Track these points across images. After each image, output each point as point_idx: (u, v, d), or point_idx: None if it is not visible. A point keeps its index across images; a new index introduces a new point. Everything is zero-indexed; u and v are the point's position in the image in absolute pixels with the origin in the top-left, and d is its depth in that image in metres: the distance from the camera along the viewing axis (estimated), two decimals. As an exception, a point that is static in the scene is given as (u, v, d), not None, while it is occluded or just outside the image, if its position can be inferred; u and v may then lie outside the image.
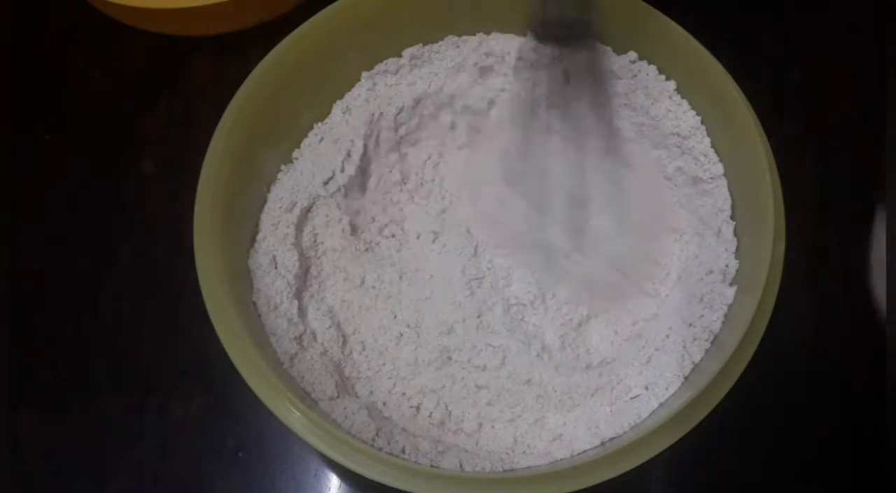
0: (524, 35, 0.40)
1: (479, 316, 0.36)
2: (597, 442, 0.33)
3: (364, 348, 0.36)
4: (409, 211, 0.39)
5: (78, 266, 0.41)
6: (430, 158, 0.40)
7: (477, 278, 0.37)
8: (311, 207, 0.37)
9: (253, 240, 0.36)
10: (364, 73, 0.39)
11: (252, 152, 0.36)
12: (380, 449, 0.31)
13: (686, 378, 0.33)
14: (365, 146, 0.38)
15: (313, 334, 0.35)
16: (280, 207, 0.36)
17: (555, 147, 0.38)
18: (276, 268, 0.35)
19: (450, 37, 0.39)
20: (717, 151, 0.37)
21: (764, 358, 0.31)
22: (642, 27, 0.37)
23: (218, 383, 0.38)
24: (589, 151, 0.38)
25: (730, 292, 0.34)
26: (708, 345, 0.34)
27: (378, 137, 0.39)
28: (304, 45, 0.37)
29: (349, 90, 0.39)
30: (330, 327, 0.35)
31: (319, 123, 0.39)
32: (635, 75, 0.38)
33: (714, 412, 0.30)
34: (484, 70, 0.39)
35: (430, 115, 0.40)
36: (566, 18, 0.35)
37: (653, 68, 0.38)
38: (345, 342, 0.36)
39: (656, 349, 0.34)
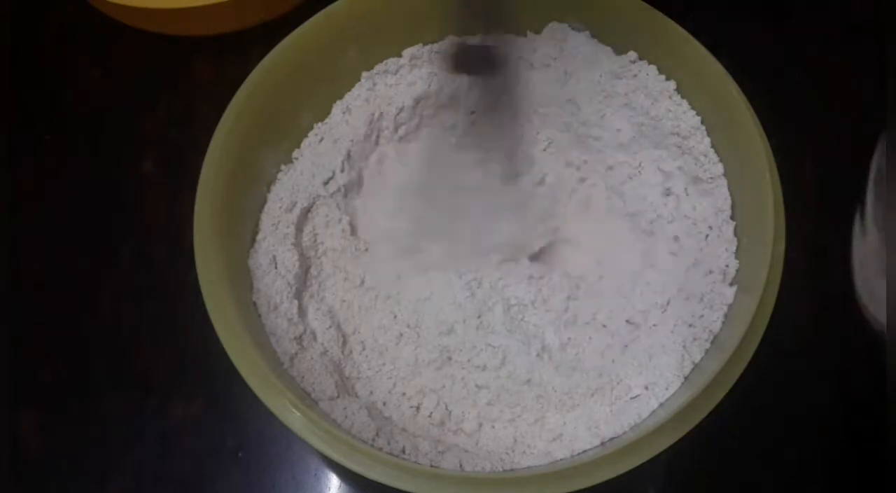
0: (524, 35, 0.40)
1: (479, 316, 0.36)
2: (597, 442, 0.33)
3: (364, 348, 0.36)
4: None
5: (78, 266, 0.41)
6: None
7: (476, 279, 0.37)
8: (311, 207, 0.37)
9: (253, 240, 0.36)
10: (364, 74, 0.39)
11: (252, 152, 0.36)
12: (380, 449, 0.31)
13: (686, 378, 0.33)
14: (365, 146, 0.38)
15: (313, 334, 0.35)
16: (280, 207, 0.36)
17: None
18: (276, 268, 0.35)
19: (450, 37, 0.39)
20: (717, 151, 0.37)
21: (764, 358, 0.31)
22: (642, 27, 0.37)
23: (218, 383, 0.38)
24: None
25: (730, 292, 0.34)
26: (708, 345, 0.34)
27: (378, 137, 0.39)
28: (304, 45, 0.37)
29: (349, 90, 0.39)
30: (330, 327, 0.35)
31: (319, 123, 0.39)
32: (635, 75, 0.38)
33: (714, 412, 0.30)
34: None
35: (430, 115, 0.40)
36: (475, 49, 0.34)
37: (653, 68, 0.38)
38: (345, 342, 0.36)
39: (656, 349, 0.34)
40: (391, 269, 0.37)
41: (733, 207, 0.36)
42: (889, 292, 0.34)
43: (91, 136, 0.44)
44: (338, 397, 0.33)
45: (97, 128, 0.45)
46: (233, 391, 0.37)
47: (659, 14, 0.36)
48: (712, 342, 0.34)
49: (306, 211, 0.37)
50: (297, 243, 0.36)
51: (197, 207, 0.33)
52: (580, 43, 0.39)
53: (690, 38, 0.36)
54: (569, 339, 0.36)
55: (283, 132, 0.38)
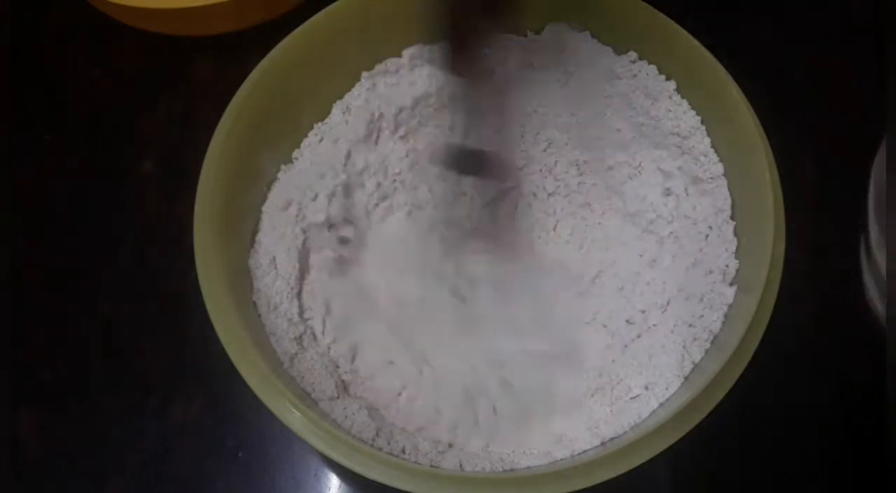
0: (524, 35, 0.40)
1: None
2: (597, 442, 0.33)
3: (363, 349, 0.36)
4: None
5: (78, 266, 0.41)
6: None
7: (476, 280, 0.37)
8: (311, 207, 0.37)
9: (253, 240, 0.36)
10: (364, 74, 0.39)
11: (252, 152, 0.36)
12: (380, 449, 0.31)
13: (686, 378, 0.33)
14: (364, 147, 0.38)
15: (313, 334, 0.35)
16: (280, 207, 0.36)
17: None
18: (276, 268, 0.35)
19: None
20: (717, 151, 0.37)
21: (764, 358, 0.31)
22: (642, 27, 0.37)
23: (218, 383, 0.38)
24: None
25: (730, 292, 0.34)
26: (708, 345, 0.34)
27: (378, 137, 0.39)
28: (304, 45, 0.37)
29: (349, 90, 0.39)
30: (329, 327, 0.35)
31: (319, 123, 0.39)
32: (635, 75, 0.38)
33: (714, 412, 0.30)
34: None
35: (430, 115, 0.40)
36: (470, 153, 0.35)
37: (653, 68, 0.38)
38: (345, 342, 0.36)
39: (656, 350, 0.34)
40: (390, 273, 0.37)
41: (733, 207, 0.36)
42: (889, 292, 0.34)
43: (91, 136, 0.44)
44: (338, 397, 0.33)
45: (97, 128, 0.45)
46: (233, 391, 0.37)
47: (659, 14, 0.36)
48: (712, 342, 0.34)
49: (306, 211, 0.37)
50: (297, 243, 0.36)
51: (197, 207, 0.33)
52: (580, 43, 0.39)
53: (690, 38, 0.36)
54: (569, 339, 0.36)
55: (283, 132, 0.38)
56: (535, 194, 0.39)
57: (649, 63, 0.38)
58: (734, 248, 0.35)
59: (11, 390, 0.39)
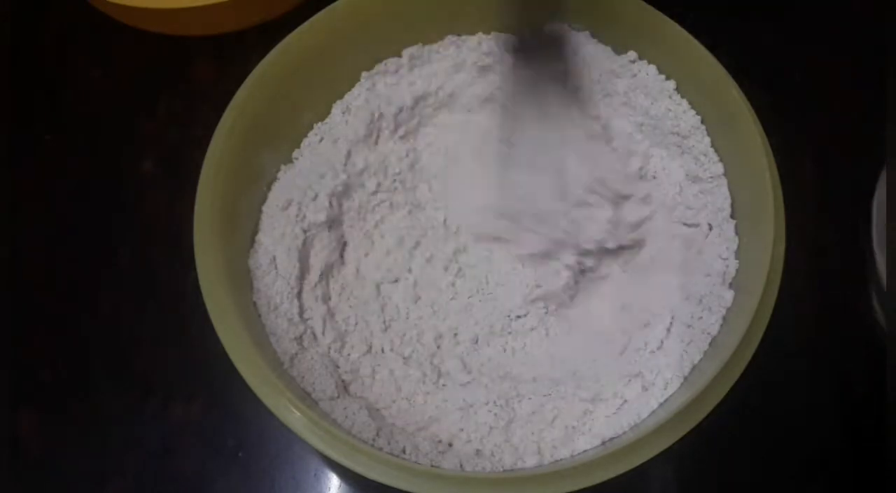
0: (524, 35, 0.40)
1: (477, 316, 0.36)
2: (597, 442, 0.33)
3: (363, 349, 0.36)
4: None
5: (78, 266, 0.41)
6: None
7: (475, 280, 0.37)
8: (311, 207, 0.37)
9: (253, 240, 0.36)
10: (364, 74, 0.39)
11: (252, 152, 0.36)
12: (380, 449, 0.31)
13: (686, 379, 0.33)
14: (364, 147, 0.38)
15: (313, 334, 0.35)
16: (280, 207, 0.36)
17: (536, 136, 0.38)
18: (276, 268, 0.35)
19: (450, 37, 0.39)
20: (717, 151, 0.37)
21: (764, 358, 0.31)
22: (642, 27, 0.37)
23: (218, 383, 0.38)
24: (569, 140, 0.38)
25: (729, 292, 0.34)
26: (707, 345, 0.34)
27: (378, 137, 0.39)
28: (304, 45, 0.37)
29: (349, 90, 0.39)
30: (330, 327, 0.35)
31: (319, 123, 0.39)
32: (635, 75, 0.38)
33: (714, 412, 0.30)
34: (483, 69, 0.39)
35: (429, 115, 0.40)
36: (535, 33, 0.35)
37: (653, 68, 0.38)
38: (345, 342, 0.36)
39: (656, 349, 0.34)
40: (390, 270, 0.37)
41: (733, 206, 0.36)
42: (889, 291, 0.34)
43: (91, 136, 0.44)
44: (338, 397, 0.33)
45: (97, 128, 0.45)
46: (233, 391, 0.37)
47: (659, 14, 0.36)
48: (712, 343, 0.34)
49: (306, 211, 0.37)
50: (297, 244, 0.36)
51: (197, 207, 0.33)
52: (580, 43, 0.39)
53: (690, 38, 0.36)
54: (568, 339, 0.36)
55: (283, 132, 0.38)
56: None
57: (649, 63, 0.38)
58: (734, 248, 0.35)
59: (11, 390, 0.39)
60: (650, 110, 0.38)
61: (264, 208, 0.37)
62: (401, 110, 0.39)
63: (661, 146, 0.38)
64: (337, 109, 0.39)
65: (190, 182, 0.34)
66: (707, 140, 0.37)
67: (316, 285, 0.36)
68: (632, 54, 0.38)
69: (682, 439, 0.30)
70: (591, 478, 0.29)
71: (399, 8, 0.38)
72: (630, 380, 0.34)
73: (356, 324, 0.36)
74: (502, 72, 0.38)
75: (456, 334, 0.36)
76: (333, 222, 0.37)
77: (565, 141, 0.37)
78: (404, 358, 0.35)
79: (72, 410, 0.39)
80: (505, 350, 0.36)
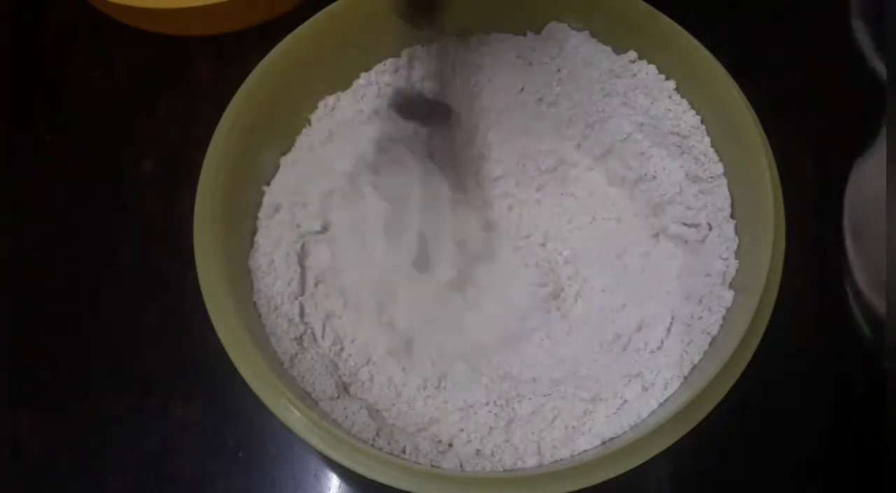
0: (524, 34, 0.40)
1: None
2: (597, 442, 0.33)
3: (363, 349, 0.36)
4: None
5: (78, 266, 0.41)
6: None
7: (473, 280, 0.37)
8: (311, 207, 0.37)
9: (252, 240, 0.36)
10: (363, 74, 0.39)
11: (252, 152, 0.36)
12: (380, 449, 0.31)
13: (685, 379, 0.33)
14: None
15: (313, 334, 0.35)
16: (279, 208, 0.36)
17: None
18: (276, 268, 0.35)
19: (449, 37, 0.39)
20: (717, 151, 0.37)
21: (763, 358, 0.31)
22: (642, 27, 0.37)
23: (218, 383, 0.38)
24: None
25: (729, 292, 0.34)
26: (707, 345, 0.34)
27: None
28: (304, 46, 0.37)
29: (349, 90, 0.39)
30: (329, 330, 0.35)
31: (319, 123, 0.39)
32: (635, 75, 0.38)
33: (714, 412, 0.30)
34: (482, 69, 0.39)
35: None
36: (426, 98, 0.35)
37: (653, 68, 0.38)
38: (344, 342, 0.36)
39: (656, 350, 0.34)
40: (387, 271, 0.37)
41: (733, 206, 0.36)
42: (889, 290, 0.34)
43: (91, 136, 0.44)
44: (338, 397, 0.33)
45: (97, 128, 0.45)
46: (233, 391, 0.37)
47: (659, 14, 0.36)
48: (712, 342, 0.34)
49: (301, 216, 0.37)
50: (297, 246, 0.36)
51: (197, 207, 0.33)
52: (580, 43, 0.39)
53: (690, 38, 0.36)
54: (568, 339, 0.36)
55: (282, 132, 0.38)
56: (524, 197, 0.39)
57: (649, 63, 0.38)
58: (734, 247, 0.35)
59: (11, 390, 0.39)
60: (650, 110, 0.38)
61: (260, 212, 0.37)
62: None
63: (661, 146, 0.38)
64: (336, 109, 0.39)
65: (190, 182, 0.34)
66: (707, 140, 0.37)
67: (315, 289, 0.36)
68: (632, 54, 0.38)
69: (682, 439, 0.30)
70: (591, 478, 0.29)
71: (399, 8, 0.38)
72: (630, 380, 0.34)
73: (356, 324, 0.36)
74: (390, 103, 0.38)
75: (454, 335, 0.36)
76: (332, 223, 0.37)
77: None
78: (402, 360, 0.35)
79: (72, 410, 0.39)
80: (505, 351, 0.36)
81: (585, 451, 0.32)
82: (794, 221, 0.33)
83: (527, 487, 0.30)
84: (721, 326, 0.34)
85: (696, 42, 0.36)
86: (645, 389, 0.33)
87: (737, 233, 0.35)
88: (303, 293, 0.36)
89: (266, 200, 0.37)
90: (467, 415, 0.34)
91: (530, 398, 0.34)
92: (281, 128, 0.38)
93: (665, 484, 0.37)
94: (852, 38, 0.22)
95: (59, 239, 0.42)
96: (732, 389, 0.30)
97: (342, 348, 0.35)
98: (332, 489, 0.37)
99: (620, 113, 0.38)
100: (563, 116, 0.39)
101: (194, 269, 0.32)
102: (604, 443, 0.33)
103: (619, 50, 0.38)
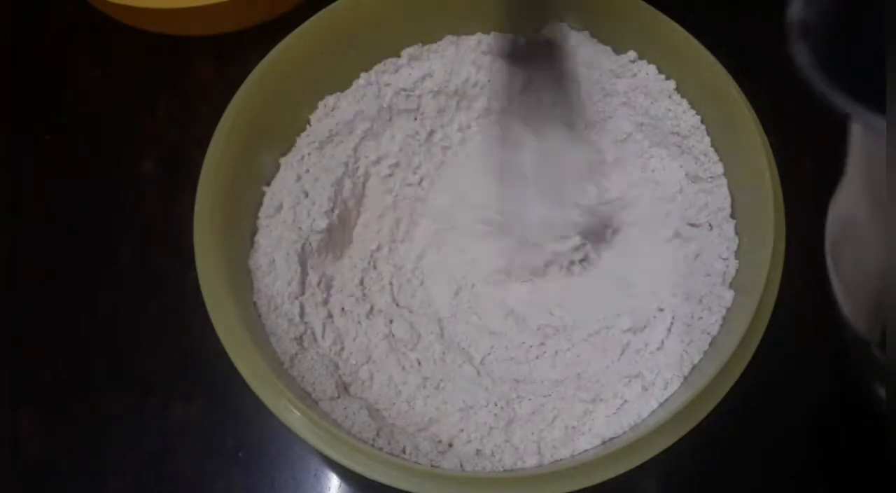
0: (524, 34, 0.40)
1: (477, 317, 0.36)
2: (597, 442, 0.33)
3: (363, 349, 0.36)
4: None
5: (78, 266, 0.41)
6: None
7: (473, 281, 0.37)
8: (311, 207, 0.37)
9: (253, 240, 0.36)
10: (363, 74, 0.39)
11: (252, 152, 0.36)
12: (380, 449, 0.31)
13: (685, 379, 0.33)
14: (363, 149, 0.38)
15: (313, 334, 0.35)
16: (279, 208, 0.36)
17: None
18: (276, 268, 0.35)
19: (449, 37, 0.39)
20: (717, 151, 0.37)
21: (763, 358, 0.31)
22: (642, 27, 0.37)
23: (218, 383, 0.38)
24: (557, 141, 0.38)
25: (729, 292, 0.34)
26: (707, 345, 0.34)
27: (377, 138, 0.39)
28: (304, 45, 0.37)
29: (349, 90, 0.39)
30: (329, 330, 0.35)
31: (319, 123, 0.39)
32: (635, 75, 0.38)
33: (714, 412, 0.30)
34: (482, 69, 0.39)
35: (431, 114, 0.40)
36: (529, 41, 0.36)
37: (652, 68, 0.38)
38: (345, 342, 0.36)
39: (656, 350, 0.34)
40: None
41: (733, 206, 0.36)
42: (890, 291, 0.34)
43: (91, 136, 0.44)
44: (338, 397, 0.33)
45: (97, 128, 0.45)
46: (233, 391, 0.37)
47: (659, 14, 0.36)
48: (712, 343, 0.34)
49: (302, 215, 0.37)
50: (297, 246, 0.36)
51: (197, 207, 0.33)
52: (580, 43, 0.39)
53: (690, 38, 0.36)
54: (568, 339, 0.36)
55: (282, 132, 0.38)
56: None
57: (649, 63, 0.38)
58: (734, 247, 0.35)
59: (11, 390, 0.39)
60: (650, 110, 0.38)
61: (260, 212, 0.37)
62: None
63: (661, 146, 0.38)
64: (336, 109, 0.39)
65: (190, 182, 0.34)
66: (707, 140, 0.37)
67: (315, 290, 0.36)
68: (632, 54, 0.38)
69: (682, 439, 0.30)
70: (591, 478, 0.29)
71: (398, 8, 0.38)
72: (630, 380, 0.34)
73: (356, 324, 0.36)
74: (499, 75, 0.38)
75: (453, 335, 0.36)
76: (332, 223, 0.37)
77: (560, 165, 0.38)
78: (403, 359, 0.35)
79: (72, 410, 0.39)
80: (505, 352, 0.36)
81: (585, 451, 0.32)
82: (793, 221, 0.33)
83: (527, 487, 0.30)
84: (721, 326, 0.34)
85: (696, 42, 0.36)
86: (645, 389, 0.33)
87: (737, 233, 0.35)
88: (303, 293, 0.36)
89: (266, 200, 0.37)
90: (467, 415, 0.34)
91: (530, 399, 0.34)
92: (281, 128, 0.38)
93: (665, 484, 0.37)
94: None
95: (59, 239, 0.42)
96: (732, 389, 0.30)
97: (342, 348, 0.35)
98: (332, 489, 0.37)
99: (620, 113, 0.38)
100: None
101: (194, 269, 0.32)
102: (604, 443, 0.33)
103: (619, 50, 0.38)
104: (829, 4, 0.20)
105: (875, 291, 0.23)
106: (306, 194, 0.37)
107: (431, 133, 0.40)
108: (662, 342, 0.34)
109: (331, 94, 0.39)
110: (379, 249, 0.38)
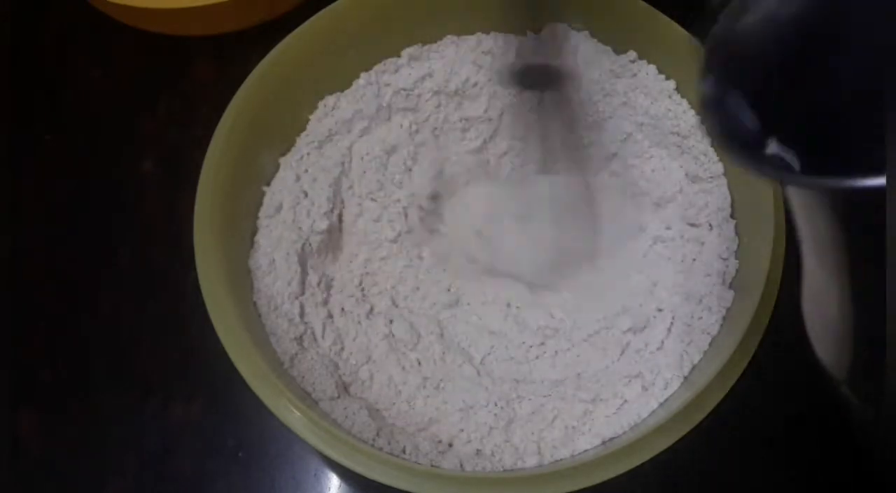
0: (524, 34, 0.40)
1: (478, 317, 0.36)
2: (597, 442, 0.33)
3: (363, 349, 0.36)
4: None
5: (78, 266, 0.41)
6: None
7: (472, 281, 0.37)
8: (311, 207, 0.37)
9: (253, 240, 0.36)
10: (363, 74, 0.39)
11: (252, 152, 0.36)
12: (380, 449, 0.31)
13: (686, 379, 0.33)
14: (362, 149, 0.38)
15: (313, 334, 0.35)
16: (279, 208, 0.36)
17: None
18: (276, 268, 0.35)
19: (449, 36, 0.39)
20: (716, 151, 0.37)
21: (763, 358, 0.31)
22: (642, 27, 0.37)
23: (218, 383, 0.38)
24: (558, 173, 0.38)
25: (729, 292, 0.34)
26: (707, 345, 0.34)
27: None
28: (304, 46, 0.37)
29: (349, 90, 0.39)
30: (329, 330, 0.35)
31: (319, 123, 0.39)
32: (635, 75, 0.38)
33: (714, 412, 0.30)
34: (482, 69, 0.39)
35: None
36: (537, 68, 0.36)
37: (652, 68, 0.38)
38: (344, 343, 0.36)
39: (656, 350, 0.34)
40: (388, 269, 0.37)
41: (733, 206, 0.36)
42: (889, 292, 0.34)
43: (91, 136, 0.44)
44: (338, 397, 0.33)
45: (97, 128, 0.45)
46: (233, 391, 0.37)
47: (659, 14, 0.36)
48: (712, 343, 0.34)
49: (302, 216, 0.37)
50: (297, 246, 0.36)
51: (197, 207, 0.33)
52: (580, 43, 0.39)
53: (690, 37, 0.36)
54: (568, 339, 0.36)
55: (282, 132, 0.38)
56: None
57: (649, 63, 0.38)
58: (734, 247, 0.35)
59: (11, 390, 0.39)
60: (650, 110, 0.38)
61: (260, 212, 0.37)
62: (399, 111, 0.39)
63: (661, 146, 0.38)
64: (336, 109, 0.39)
65: (190, 182, 0.34)
66: (707, 140, 0.37)
67: (315, 290, 0.36)
68: (632, 54, 0.38)
69: (682, 439, 0.30)
70: (591, 478, 0.29)
71: (398, 8, 0.38)
72: (630, 380, 0.34)
73: (356, 325, 0.36)
74: (500, 76, 0.38)
75: (453, 335, 0.36)
76: (331, 223, 0.37)
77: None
78: (403, 359, 0.35)
79: (72, 410, 0.39)
80: (505, 352, 0.36)
81: (585, 451, 0.32)
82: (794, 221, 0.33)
83: (527, 487, 0.30)
84: (721, 326, 0.34)
85: (696, 42, 0.36)
86: (645, 389, 0.33)
87: (737, 233, 0.35)
88: (303, 293, 0.36)
89: (266, 200, 0.37)
90: (467, 415, 0.34)
91: (530, 399, 0.34)
92: (281, 128, 0.38)
93: (665, 484, 0.37)
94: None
95: (59, 239, 0.42)
96: (732, 389, 0.30)
97: (342, 348, 0.35)
98: (332, 489, 0.37)
99: (620, 113, 0.38)
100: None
101: (194, 269, 0.32)
102: (604, 443, 0.33)
103: (619, 50, 0.38)
104: (741, 78, 0.21)
105: (839, 339, 0.23)
106: (306, 194, 0.37)
107: (432, 129, 0.40)
108: (662, 342, 0.34)
109: (331, 94, 0.39)
110: (378, 248, 0.38)
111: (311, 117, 0.39)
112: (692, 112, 0.37)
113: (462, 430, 0.34)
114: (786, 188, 0.20)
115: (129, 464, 0.38)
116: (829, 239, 0.20)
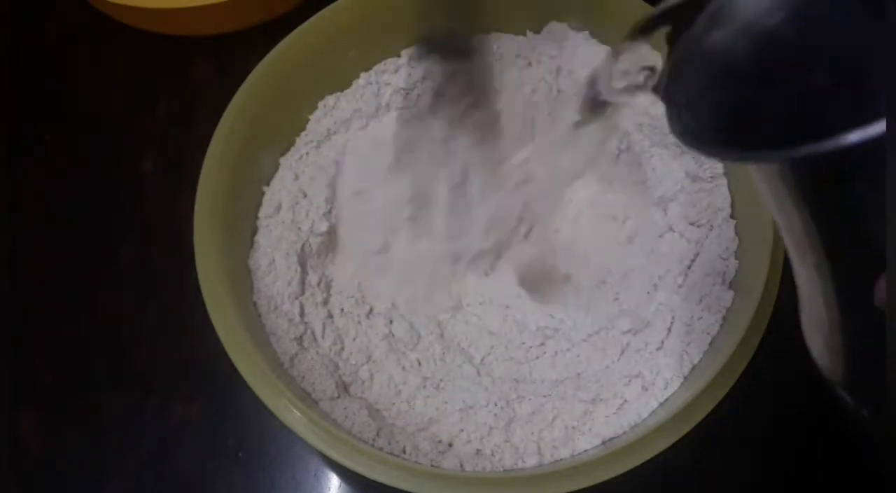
0: (524, 34, 0.40)
1: (477, 317, 0.36)
2: (597, 442, 0.33)
3: (363, 349, 0.36)
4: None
5: (78, 266, 0.41)
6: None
7: (472, 281, 0.37)
8: (311, 206, 0.37)
9: (253, 240, 0.36)
10: (363, 74, 0.39)
11: (252, 152, 0.36)
12: (380, 449, 0.31)
13: (686, 379, 0.33)
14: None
15: (313, 334, 0.35)
16: (279, 208, 0.36)
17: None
18: (276, 268, 0.35)
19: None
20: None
21: (764, 358, 0.31)
22: (642, 27, 0.37)
23: (218, 383, 0.38)
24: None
25: (729, 292, 0.34)
26: (707, 345, 0.34)
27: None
28: (304, 46, 0.37)
29: (348, 90, 0.39)
30: (329, 330, 0.35)
31: (318, 124, 0.39)
32: (635, 75, 0.38)
33: (714, 412, 0.30)
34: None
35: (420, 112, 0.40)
36: (450, 41, 0.36)
37: (653, 68, 0.38)
38: (344, 343, 0.36)
39: (656, 350, 0.34)
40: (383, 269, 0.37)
41: (733, 206, 0.36)
42: (890, 292, 0.34)
43: (91, 136, 0.44)
44: (338, 397, 0.33)
45: (97, 128, 0.45)
46: (233, 391, 0.37)
47: (659, 14, 0.36)
48: (712, 343, 0.34)
49: (301, 216, 0.37)
50: (297, 246, 0.36)
51: (197, 207, 0.33)
52: (580, 43, 0.39)
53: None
54: (568, 339, 0.36)
55: (282, 132, 0.38)
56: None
57: (649, 63, 0.38)
58: (734, 247, 0.35)
59: (11, 390, 0.39)
60: (650, 110, 0.38)
61: (260, 212, 0.37)
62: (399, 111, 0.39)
63: (661, 146, 0.38)
64: (336, 109, 0.39)
65: (190, 182, 0.34)
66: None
67: (315, 290, 0.36)
68: (632, 54, 0.38)
69: (682, 439, 0.30)
70: (591, 478, 0.29)
71: (398, 8, 0.38)
72: (630, 380, 0.34)
73: (357, 325, 0.36)
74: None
75: (453, 336, 0.36)
76: (331, 223, 0.37)
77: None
78: (403, 359, 0.35)
79: (72, 410, 0.39)
80: (505, 352, 0.36)
81: (585, 451, 0.32)
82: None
83: (527, 487, 0.30)
84: (721, 326, 0.34)
85: (695, 42, 0.36)
86: (645, 389, 0.33)
87: (737, 233, 0.35)
88: (303, 293, 0.36)
89: (266, 200, 0.37)
90: (467, 415, 0.34)
91: (530, 399, 0.34)
92: (281, 128, 0.38)
93: (665, 484, 0.37)
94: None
95: (59, 239, 0.42)
96: (732, 389, 0.30)
97: (342, 348, 0.35)
98: (332, 489, 0.37)
99: (620, 113, 0.38)
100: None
101: (194, 269, 0.32)
102: (604, 443, 0.33)
103: (618, 50, 0.38)
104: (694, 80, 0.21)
105: (830, 340, 0.23)
106: (304, 194, 0.37)
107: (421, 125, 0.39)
108: (662, 342, 0.34)
109: (331, 93, 0.39)
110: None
111: (310, 117, 0.39)
112: (692, 112, 0.37)
113: (462, 430, 0.34)
114: (756, 176, 0.20)
115: (129, 464, 0.38)
116: (803, 231, 0.20)
